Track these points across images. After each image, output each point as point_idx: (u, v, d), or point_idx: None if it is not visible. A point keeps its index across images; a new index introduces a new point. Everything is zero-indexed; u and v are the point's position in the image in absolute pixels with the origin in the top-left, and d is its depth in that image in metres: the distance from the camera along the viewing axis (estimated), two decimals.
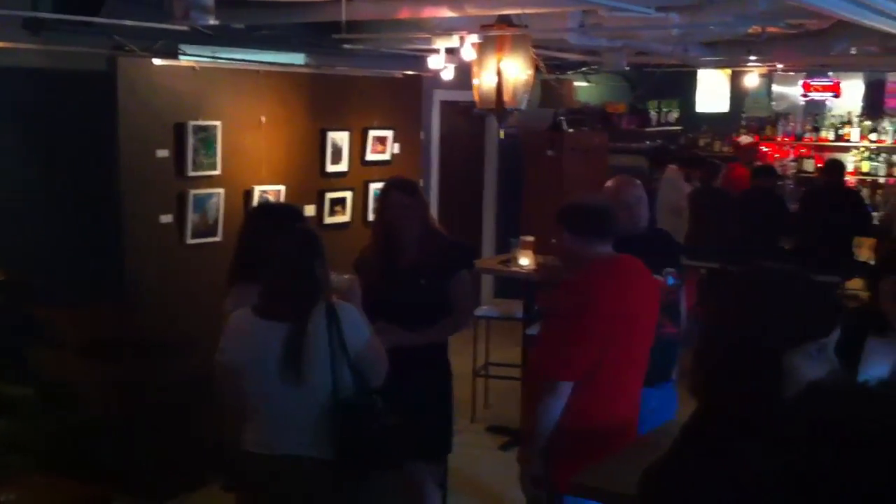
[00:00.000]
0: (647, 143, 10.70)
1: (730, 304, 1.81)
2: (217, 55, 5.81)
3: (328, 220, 6.12)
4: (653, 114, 10.84)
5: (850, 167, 10.19)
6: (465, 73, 5.78)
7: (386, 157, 6.55)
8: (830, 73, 10.63)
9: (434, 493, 4.04)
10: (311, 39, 6.15)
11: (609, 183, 4.04)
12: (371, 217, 5.87)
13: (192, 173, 5.17)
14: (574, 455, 3.16)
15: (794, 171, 10.82)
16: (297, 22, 5.46)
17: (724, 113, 11.19)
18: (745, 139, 10.92)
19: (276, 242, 3.04)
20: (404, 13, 5.10)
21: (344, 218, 6.26)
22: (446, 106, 8.22)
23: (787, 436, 1.39)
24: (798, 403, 1.56)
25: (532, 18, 5.24)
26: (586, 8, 5.31)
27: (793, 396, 1.61)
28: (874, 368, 2.86)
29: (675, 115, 11.11)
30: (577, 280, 3.27)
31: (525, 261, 6.14)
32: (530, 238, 6.23)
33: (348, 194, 6.28)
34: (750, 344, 1.71)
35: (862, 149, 10.46)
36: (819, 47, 7.55)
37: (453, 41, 5.97)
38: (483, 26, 5.20)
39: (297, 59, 6.67)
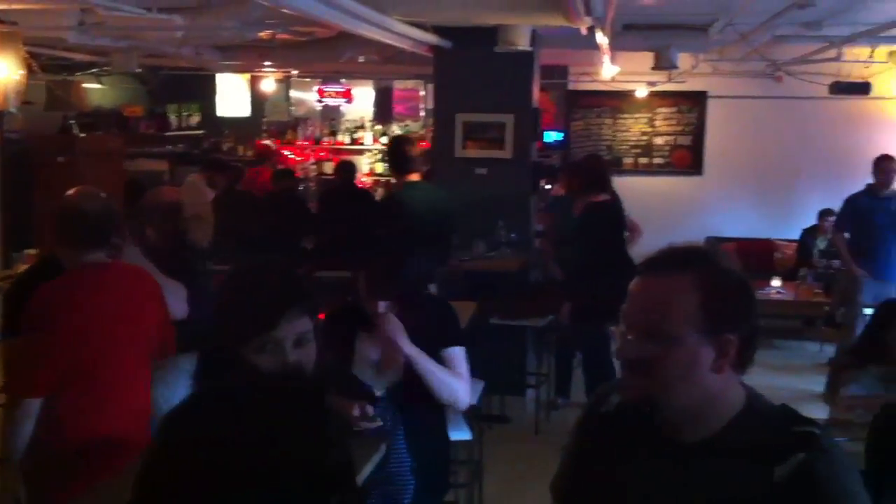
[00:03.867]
0: (169, 147, 10.49)
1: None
2: None
3: None
4: (173, 118, 10.64)
5: (365, 168, 10.87)
6: None
7: None
8: (343, 80, 11.24)
9: None
10: None
11: (70, 192, 3.30)
12: None
13: None
14: (69, 474, 2.91)
15: (316, 173, 11.27)
16: None
17: (247, 117, 11.31)
18: (268, 143, 11.15)
19: None
20: None
21: None
22: None
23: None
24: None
25: (24, 15, 4.87)
26: (83, 6, 5.04)
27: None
28: (362, 365, 3.01)
29: (196, 119, 11.00)
30: (43, 291, 2.97)
31: None
32: (37, 251, 5.78)
33: None
34: (215, 341, 1.72)
35: (375, 151, 11.19)
36: (328, 54, 7.96)
37: None
38: None
39: None
